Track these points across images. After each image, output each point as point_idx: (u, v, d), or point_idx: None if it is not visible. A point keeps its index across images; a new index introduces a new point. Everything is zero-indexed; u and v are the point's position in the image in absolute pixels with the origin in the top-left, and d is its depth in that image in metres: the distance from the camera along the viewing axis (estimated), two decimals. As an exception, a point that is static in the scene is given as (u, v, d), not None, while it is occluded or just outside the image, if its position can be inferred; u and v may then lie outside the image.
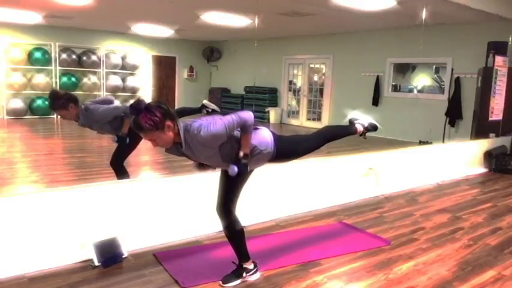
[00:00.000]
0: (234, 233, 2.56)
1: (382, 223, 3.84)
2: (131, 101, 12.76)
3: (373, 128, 2.97)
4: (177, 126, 2.28)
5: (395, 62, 9.45)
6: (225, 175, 2.54)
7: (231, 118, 2.33)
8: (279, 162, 2.66)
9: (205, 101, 4.21)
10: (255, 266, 2.66)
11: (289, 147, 2.63)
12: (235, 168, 2.36)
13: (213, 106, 4.15)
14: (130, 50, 12.12)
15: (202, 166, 2.59)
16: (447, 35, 8.26)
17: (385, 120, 9.09)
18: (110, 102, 3.77)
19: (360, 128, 2.93)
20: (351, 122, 2.97)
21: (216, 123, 2.28)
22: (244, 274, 2.60)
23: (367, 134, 2.99)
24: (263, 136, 2.50)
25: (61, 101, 3.44)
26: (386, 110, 9.36)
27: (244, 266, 2.61)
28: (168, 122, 2.23)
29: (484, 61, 7.10)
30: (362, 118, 2.97)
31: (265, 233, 3.47)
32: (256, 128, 2.52)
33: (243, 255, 2.61)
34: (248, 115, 2.35)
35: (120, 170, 3.80)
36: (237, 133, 2.41)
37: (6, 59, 10.34)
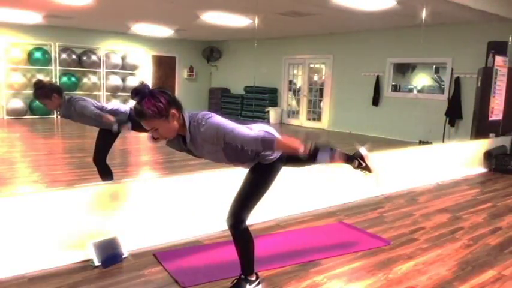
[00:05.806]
0: (243, 244, 2.34)
1: (382, 223, 3.84)
2: (131, 102, 12.89)
3: (368, 170, 2.92)
4: (182, 116, 2.10)
5: (395, 62, 9.45)
6: (248, 176, 2.34)
7: (246, 136, 2.07)
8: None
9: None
10: (257, 278, 2.47)
11: (295, 158, 2.54)
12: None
13: None
14: (130, 50, 12.11)
15: None
16: (447, 35, 8.26)
17: (385, 120, 9.18)
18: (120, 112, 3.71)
19: (356, 164, 2.89)
20: (355, 157, 2.90)
21: (224, 125, 2.07)
22: (247, 286, 2.40)
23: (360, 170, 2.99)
24: None
25: (44, 90, 3.49)
26: (386, 110, 9.38)
27: (247, 278, 2.41)
28: (173, 110, 2.04)
29: (484, 61, 7.10)
30: (368, 158, 2.89)
31: (265, 232, 3.47)
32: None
33: (247, 267, 2.38)
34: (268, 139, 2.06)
35: (103, 169, 3.75)
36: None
37: (6, 59, 10.33)
